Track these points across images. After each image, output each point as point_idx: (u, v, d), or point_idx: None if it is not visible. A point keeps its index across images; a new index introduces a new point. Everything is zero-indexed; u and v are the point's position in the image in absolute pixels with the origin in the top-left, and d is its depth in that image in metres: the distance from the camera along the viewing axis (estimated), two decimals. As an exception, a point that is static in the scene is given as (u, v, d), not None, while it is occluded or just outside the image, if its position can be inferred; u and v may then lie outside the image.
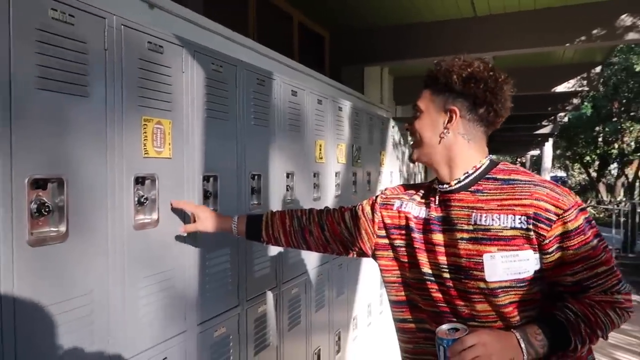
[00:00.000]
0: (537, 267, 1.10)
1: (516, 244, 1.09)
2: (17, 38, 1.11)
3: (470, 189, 1.18)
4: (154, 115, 1.53)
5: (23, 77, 1.13)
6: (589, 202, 14.73)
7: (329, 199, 2.90)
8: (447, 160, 1.21)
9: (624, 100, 9.86)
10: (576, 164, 18.75)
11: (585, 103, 11.35)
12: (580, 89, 7.75)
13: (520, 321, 1.10)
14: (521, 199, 1.11)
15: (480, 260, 1.11)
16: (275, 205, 2.28)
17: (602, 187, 15.17)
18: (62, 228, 1.22)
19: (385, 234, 1.32)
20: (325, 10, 5.22)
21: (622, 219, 9.00)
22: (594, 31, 4.94)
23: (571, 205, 1.09)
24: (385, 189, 1.42)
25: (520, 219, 1.09)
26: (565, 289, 1.12)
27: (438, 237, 1.19)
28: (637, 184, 10.44)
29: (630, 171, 12.23)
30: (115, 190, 1.38)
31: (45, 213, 1.18)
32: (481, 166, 1.20)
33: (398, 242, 1.28)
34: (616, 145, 12.52)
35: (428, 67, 1.26)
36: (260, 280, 2.15)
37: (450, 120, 1.18)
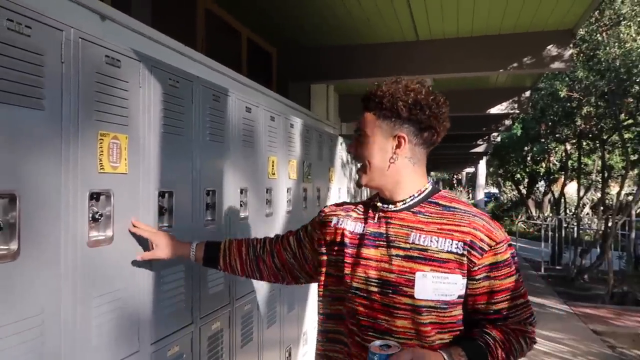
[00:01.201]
0: (462, 292, 1.17)
1: (449, 267, 1.16)
2: (-31, 47, 1.07)
3: (412, 210, 1.25)
4: (111, 129, 1.50)
5: (-25, 88, 1.08)
6: (519, 217, 15.61)
7: (280, 214, 2.92)
8: (394, 183, 1.27)
9: (550, 123, 10.57)
10: (508, 182, 19.84)
11: (516, 124, 12.10)
12: (511, 111, 8.27)
13: (434, 342, 1.16)
14: (460, 225, 1.18)
15: (412, 277, 1.16)
16: (229, 220, 2.27)
17: (531, 203, 16.12)
18: (13, 246, 1.17)
19: (324, 251, 1.36)
20: (272, 27, 5.29)
21: (550, 234, 9.60)
22: (525, 59, 5.32)
23: (502, 239, 1.19)
24: (324, 207, 1.48)
25: (457, 244, 1.16)
26: (486, 316, 1.20)
27: (370, 252, 1.24)
28: (562, 200, 11.21)
29: (555, 188, 13.11)
30: (69, 206, 1.34)
31: (-4, 230, 1.13)
32: (425, 190, 1.27)
33: (332, 257, 1.33)
34: (543, 164, 13.40)
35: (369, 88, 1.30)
36: (214, 297, 2.13)
37: (399, 146, 1.24)
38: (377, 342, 1.11)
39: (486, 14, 4.81)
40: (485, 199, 31.73)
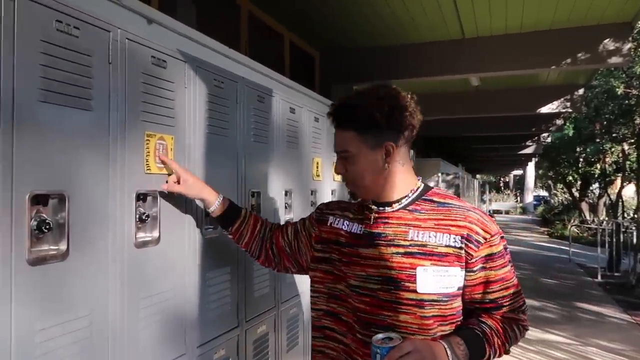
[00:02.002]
0: (461, 284, 1.22)
1: (448, 260, 1.19)
2: (21, 48, 1.07)
3: (408, 208, 1.26)
4: (157, 130, 1.49)
5: (26, 89, 1.09)
6: (572, 221, 14.94)
7: (325, 217, 2.87)
8: (389, 187, 1.27)
9: (605, 122, 10.07)
10: (559, 184, 19.05)
11: (567, 124, 11.60)
12: (563, 110, 7.91)
13: (436, 334, 1.19)
14: (457, 220, 1.22)
15: (413, 273, 1.19)
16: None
17: (584, 207, 15.39)
18: (63, 246, 1.17)
19: (320, 248, 1.38)
20: (314, 30, 5.27)
21: (607, 239, 9.10)
22: (579, 54, 5.06)
23: (496, 232, 1.23)
24: (320, 204, 1.51)
25: (455, 238, 1.20)
26: (481, 305, 1.25)
27: (369, 251, 1.26)
28: (619, 203, 10.62)
29: (612, 191, 12.46)
30: (116, 206, 1.33)
31: (46, 230, 1.13)
32: (418, 189, 1.29)
33: (329, 256, 1.34)
34: (598, 166, 12.77)
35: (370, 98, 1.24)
36: (260, 300, 2.10)
37: (388, 154, 1.23)
38: (380, 336, 1.13)
39: (537, 9, 4.61)
40: (535, 203, 30.66)
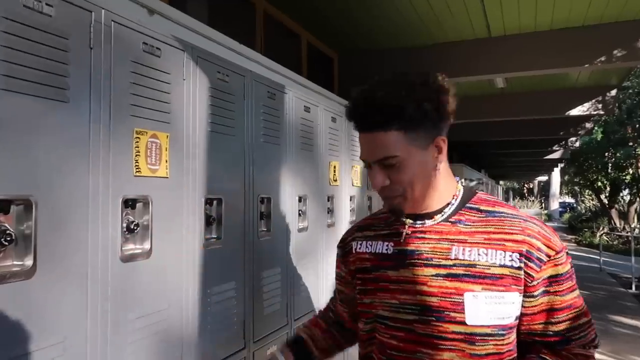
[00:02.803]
0: (518, 312, 0.97)
1: (504, 283, 0.95)
2: (-22, 27, 0.90)
3: (450, 220, 1.01)
4: (149, 127, 1.31)
5: (-15, 75, 0.92)
6: (602, 229, 14.36)
7: (343, 225, 2.66)
8: (433, 193, 1.02)
9: (637, 125, 9.63)
10: (587, 190, 18.45)
11: (596, 128, 11.16)
12: (595, 112, 7.55)
13: None
14: (512, 233, 0.97)
15: (460, 300, 0.95)
16: (286, 232, 2.04)
17: (614, 214, 14.80)
18: (28, 261, 0.99)
19: (351, 281, 1.13)
20: (334, 31, 5.09)
21: (641, 247, 8.65)
22: (615, 52, 4.76)
23: (561, 247, 0.99)
24: (343, 235, 1.21)
25: (511, 255, 0.96)
26: (543, 338, 1.00)
27: (400, 274, 1.01)
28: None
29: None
30: (98, 214, 1.15)
31: (6, 243, 0.95)
32: (459, 192, 1.04)
33: (359, 288, 1.09)
34: (630, 171, 12.25)
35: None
36: (270, 318, 1.90)
37: (440, 151, 1.00)
38: None
39: (569, 4, 4.34)
40: (560, 209, 29.83)
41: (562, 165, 21.70)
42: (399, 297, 1.00)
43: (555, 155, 16.62)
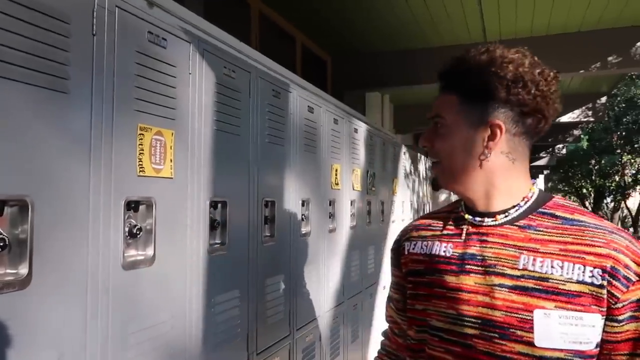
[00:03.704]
0: (599, 338, 0.84)
1: (582, 303, 0.83)
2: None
3: (518, 223, 0.91)
4: (153, 123, 1.21)
5: (-24, 59, 0.81)
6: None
7: (344, 230, 2.57)
8: (486, 188, 0.93)
9: (624, 133, 9.73)
10: (571, 197, 18.66)
11: (582, 135, 11.27)
12: (585, 119, 7.60)
13: None
14: (594, 246, 0.85)
15: (529, 317, 0.84)
16: (290, 237, 1.95)
17: (599, 220, 14.96)
18: (23, 270, 0.88)
19: (404, 285, 1.03)
20: (328, 33, 5.01)
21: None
22: (610, 58, 4.77)
23: None
24: (397, 236, 1.12)
25: (592, 271, 0.83)
26: None
27: (460, 280, 0.90)
28: (640, 217, 10.25)
29: (632, 205, 12.06)
30: (99, 217, 1.05)
31: (0, 249, 0.85)
32: (532, 196, 0.93)
33: (410, 292, 1.00)
34: (617, 178, 12.39)
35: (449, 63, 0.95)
36: (273, 328, 1.80)
37: (493, 138, 0.90)
38: None
39: (566, 9, 4.33)
40: (545, 216, 30.11)
41: (547, 172, 21.93)
42: (457, 307, 0.89)
43: (541, 162, 16.78)
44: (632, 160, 11.01)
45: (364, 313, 2.96)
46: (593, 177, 14.01)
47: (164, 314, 1.24)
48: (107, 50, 1.07)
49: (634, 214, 10.33)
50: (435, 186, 1.00)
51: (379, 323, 3.24)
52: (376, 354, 1.20)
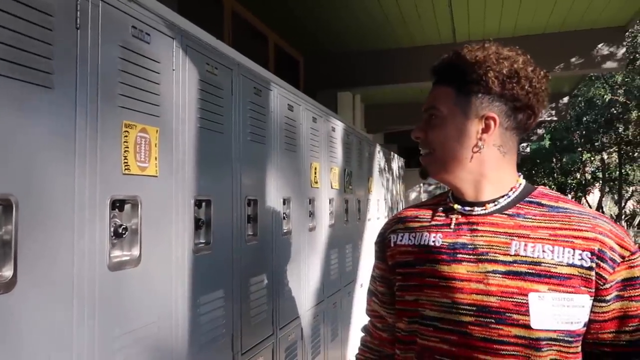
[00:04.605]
0: (587, 318, 0.88)
1: (572, 285, 0.87)
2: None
3: (507, 212, 0.94)
4: (138, 120, 1.18)
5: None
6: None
7: (323, 229, 2.58)
8: (476, 178, 0.96)
9: (584, 132, 10.10)
10: (535, 194, 19.20)
11: (545, 134, 11.64)
12: (548, 118, 7.85)
13: None
14: (581, 230, 0.89)
15: (524, 300, 0.86)
16: (272, 236, 1.94)
17: (561, 217, 15.46)
18: (8, 272, 0.85)
19: (392, 278, 1.04)
20: (301, 33, 5.01)
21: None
22: (572, 59, 4.94)
23: (636, 248, 0.90)
24: (381, 229, 1.14)
25: (582, 254, 0.87)
26: (614, 349, 0.90)
27: (452, 269, 0.92)
28: (600, 211, 10.65)
29: (592, 201, 12.52)
30: (84, 216, 1.01)
31: (-17, 250, 0.81)
32: (519, 186, 0.97)
33: (399, 283, 1.00)
34: (578, 175, 12.85)
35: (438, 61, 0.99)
36: (257, 328, 1.78)
37: (486, 130, 0.94)
38: None
39: (532, 12, 4.46)
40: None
41: (512, 170, 22.48)
42: (451, 296, 0.90)
43: (507, 161, 17.23)
44: (592, 158, 11.44)
45: (343, 311, 2.97)
46: (555, 174, 14.47)
47: (150, 315, 1.21)
48: (91, 44, 1.04)
49: (594, 209, 10.76)
50: (424, 175, 1.02)
51: (357, 321, 3.26)
52: (357, 352, 1.20)
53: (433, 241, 0.96)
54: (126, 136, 1.14)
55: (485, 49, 0.96)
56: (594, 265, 0.86)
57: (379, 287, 1.10)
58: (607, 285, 0.86)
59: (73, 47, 1.00)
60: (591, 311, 0.87)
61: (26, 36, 0.89)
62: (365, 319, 1.17)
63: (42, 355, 0.91)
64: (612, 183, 10.27)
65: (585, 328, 0.87)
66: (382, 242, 1.08)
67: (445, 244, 0.95)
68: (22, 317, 0.87)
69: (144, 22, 1.21)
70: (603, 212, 11.42)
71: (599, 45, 4.81)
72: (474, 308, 0.88)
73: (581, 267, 0.86)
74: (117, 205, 1.13)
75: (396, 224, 1.06)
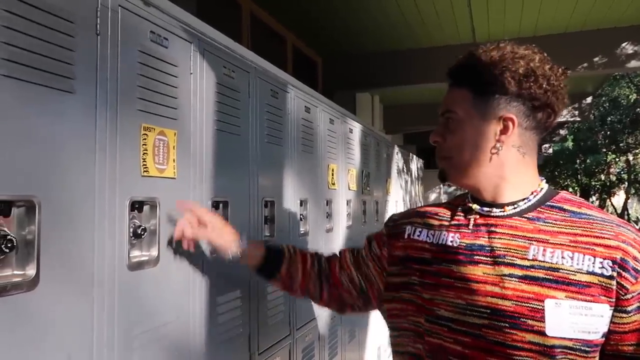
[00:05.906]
0: (606, 328, 0.86)
1: (591, 293, 0.85)
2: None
3: (526, 215, 0.93)
4: (157, 123, 1.20)
5: (-18, 58, 0.80)
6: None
7: (340, 230, 2.58)
8: (496, 181, 0.96)
9: (608, 132, 9.88)
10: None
11: (568, 135, 11.43)
12: (571, 119, 7.72)
13: None
14: (603, 238, 0.87)
15: (540, 307, 0.85)
16: (289, 237, 1.95)
17: (584, 218, 15.16)
18: (31, 271, 0.87)
19: (396, 271, 1.04)
20: (319, 34, 5.03)
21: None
22: (595, 59, 4.85)
23: None
24: (393, 215, 1.16)
25: (602, 262, 0.85)
26: None
27: (468, 270, 0.92)
28: (625, 214, 10.42)
29: (617, 203, 12.25)
30: (105, 218, 1.04)
31: (7, 250, 0.84)
32: (541, 190, 0.96)
33: (411, 279, 1.00)
34: (602, 177, 12.59)
35: (454, 60, 1.00)
36: (274, 328, 1.80)
37: (505, 131, 0.93)
38: None
39: (553, 11, 4.40)
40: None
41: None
42: (466, 297, 0.90)
43: (528, 162, 16.97)
44: (617, 159, 11.19)
45: (360, 313, 2.97)
46: (579, 176, 14.21)
47: (169, 314, 1.23)
48: (110, 50, 1.06)
49: (619, 211, 10.50)
50: (443, 177, 1.02)
51: (375, 324, 3.26)
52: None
53: (451, 241, 0.96)
54: (145, 139, 1.16)
55: (500, 48, 0.95)
56: (615, 274, 0.84)
57: (365, 256, 1.15)
58: (629, 296, 0.84)
59: (93, 53, 1.02)
60: (611, 322, 0.85)
61: (49, 42, 0.92)
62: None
63: (63, 352, 0.93)
64: (637, 185, 10.02)
65: (604, 339, 0.85)
66: (394, 228, 1.09)
67: (462, 244, 0.94)
68: (45, 314, 0.90)
69: (162, 27, 1.24)
70: (628, 214, 11.16)
71: (623, 44, 4.72)
72: (489, 311, 0.88)
73: (601, 275, 0.84)
74: (136, 206, 1.15)
75: (414, 217, 1.07)
